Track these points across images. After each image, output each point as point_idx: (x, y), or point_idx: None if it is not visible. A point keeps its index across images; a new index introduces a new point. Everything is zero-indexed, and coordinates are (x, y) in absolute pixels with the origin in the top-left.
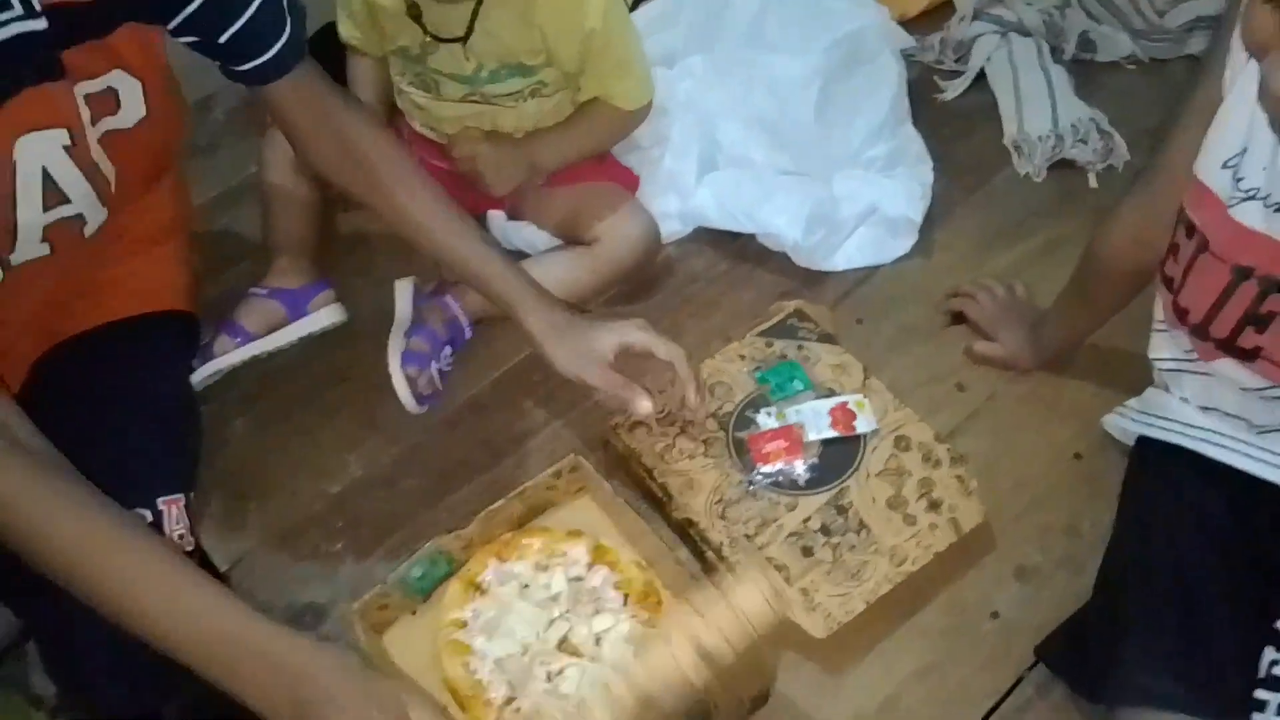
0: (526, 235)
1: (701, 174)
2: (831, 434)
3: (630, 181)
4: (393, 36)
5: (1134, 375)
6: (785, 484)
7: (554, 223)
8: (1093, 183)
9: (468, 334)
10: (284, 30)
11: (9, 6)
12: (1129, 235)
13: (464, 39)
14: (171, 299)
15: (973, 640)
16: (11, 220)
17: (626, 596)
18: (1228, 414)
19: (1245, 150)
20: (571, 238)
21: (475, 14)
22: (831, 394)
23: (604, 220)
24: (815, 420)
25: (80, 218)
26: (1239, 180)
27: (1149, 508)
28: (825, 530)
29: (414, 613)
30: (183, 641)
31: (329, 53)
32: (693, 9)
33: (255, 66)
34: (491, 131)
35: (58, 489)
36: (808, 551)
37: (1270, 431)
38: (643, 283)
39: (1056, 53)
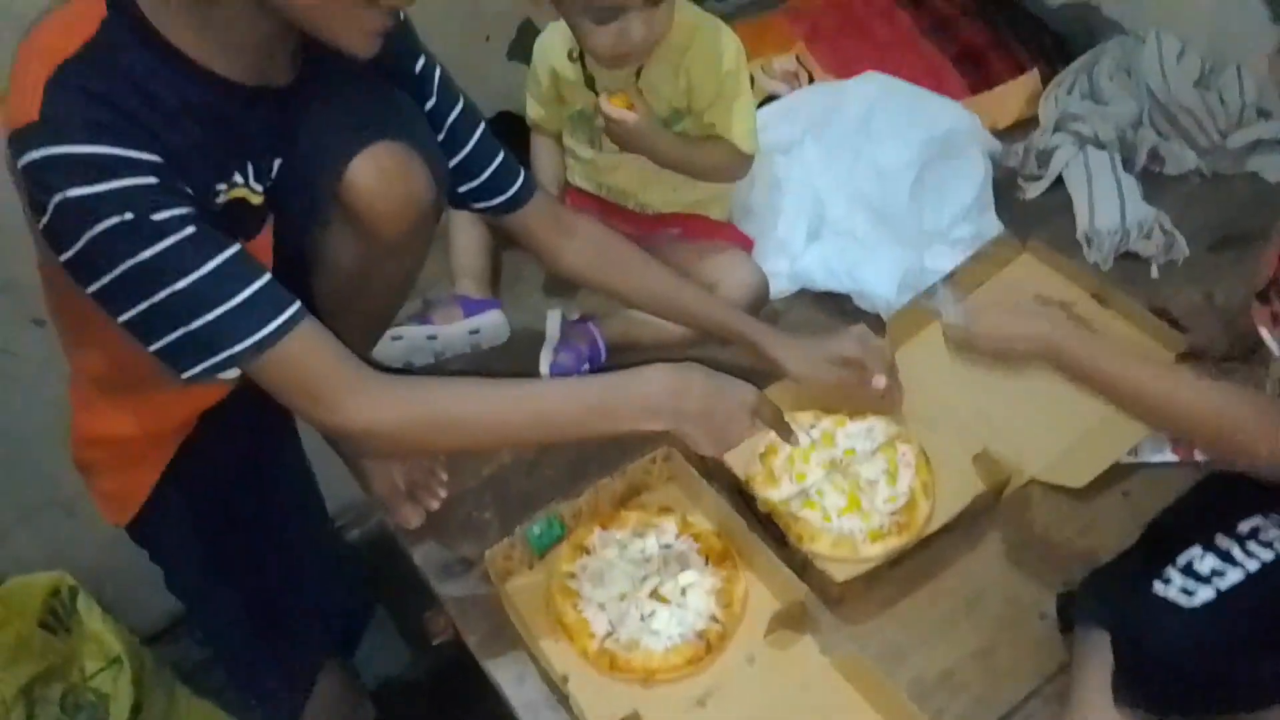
0: None
1: (809, 243)
2: None
3: (746, 243)
4: (571, 103)
5: None
6: None
7: (681, 270)
8: (1154, 273)
9: (603, 356)
10: (515, 166)
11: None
12: None
13: None
14: None
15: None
16: None
17: (708, 559)
18: None
19: None
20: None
21: (639, 74)
22: None
23: (722, 269)
24: None
25: None
26: None
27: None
28: None
29: (531, 567)
30: (585, 427)
31: (503, 138)
32: (809, 106)
33: (507, 198)
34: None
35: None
36: None
37: None
38: None
39: (1128, 164)
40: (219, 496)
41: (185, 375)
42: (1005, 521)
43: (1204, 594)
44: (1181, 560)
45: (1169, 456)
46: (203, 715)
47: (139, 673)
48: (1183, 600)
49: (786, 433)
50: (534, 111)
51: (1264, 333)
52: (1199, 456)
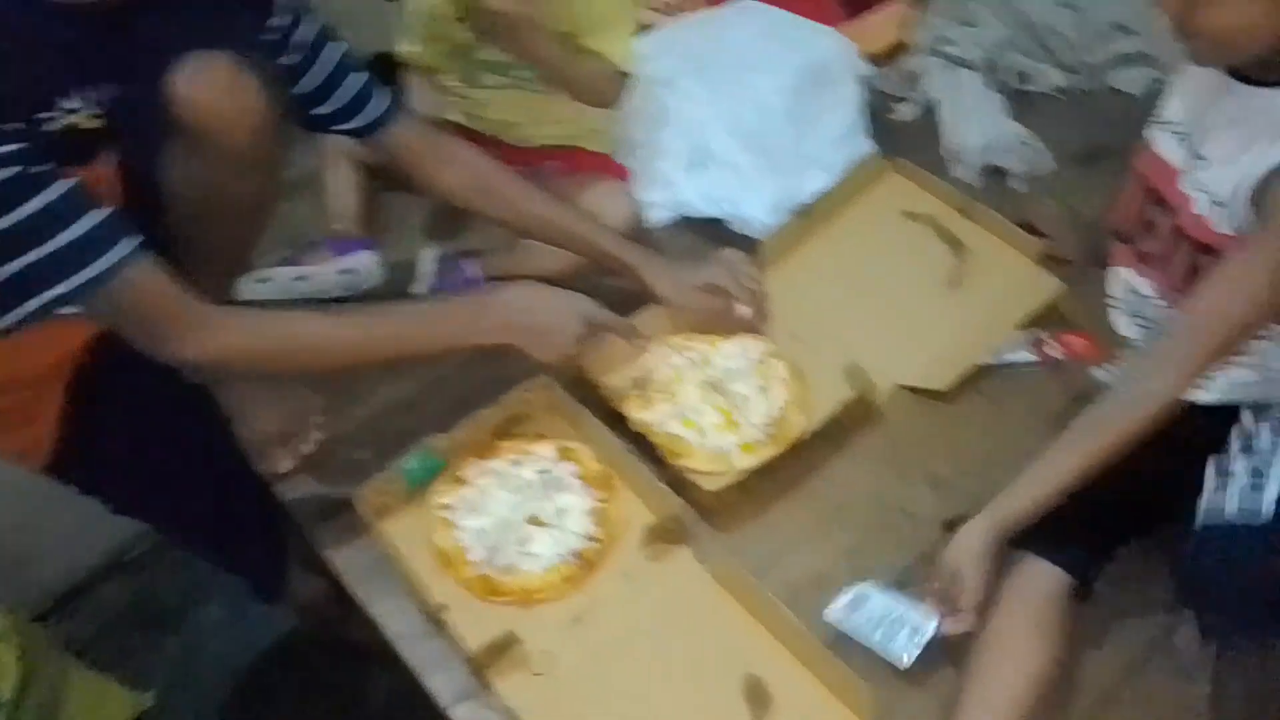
0: None
1: (689, 174)
2: None
3: (622, 174)
4: (448, 37)
5: None
6: None
7: None
8: (1020, 187)
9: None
10: (380, 90)
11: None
12: None
13: None
14: None
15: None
16: None
17: (586, 481)
18: None
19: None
20: None
21: None
22: None
23: (598, 201)
24: None
25: None
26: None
27: None
28: None
29: (408, 502)
30: (419, 344)
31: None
32: (687, 38)
33: (370, 120)
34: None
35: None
36: None
37: None
38: None
39: (997, 85)
40: (137, 422)
41: (5, 321)
42: (873, 427)
43: (1270, 491)
44: (1235, 444)
45: (1028, 356)
46: (95, 688)
47: (25, 647)
48: (1254, 519)
49: (628, 330)
50: (407, 46)
51: (1131, 274)
52: (1055, 355)
